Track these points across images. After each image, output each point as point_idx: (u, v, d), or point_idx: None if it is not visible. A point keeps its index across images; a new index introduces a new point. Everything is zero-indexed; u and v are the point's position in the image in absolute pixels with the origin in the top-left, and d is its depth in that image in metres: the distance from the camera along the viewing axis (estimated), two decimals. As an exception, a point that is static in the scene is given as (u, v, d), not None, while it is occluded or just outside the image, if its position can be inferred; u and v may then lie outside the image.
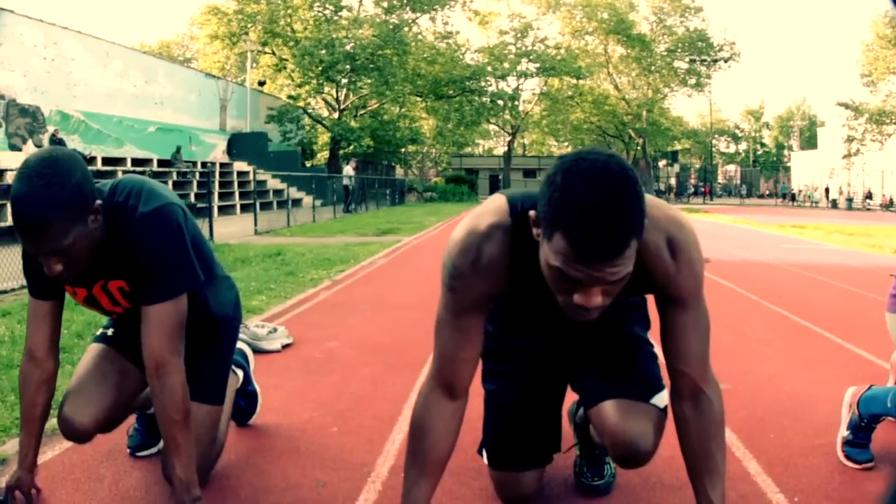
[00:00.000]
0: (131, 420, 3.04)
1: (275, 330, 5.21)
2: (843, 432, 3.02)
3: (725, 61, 64.25)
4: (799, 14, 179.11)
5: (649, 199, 1.88)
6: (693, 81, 65.35)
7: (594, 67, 62.48)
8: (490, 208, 2.02)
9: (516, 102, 59.08)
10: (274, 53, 43.08)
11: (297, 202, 27.69)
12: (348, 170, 30.70)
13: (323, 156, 42.12)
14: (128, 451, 3.07)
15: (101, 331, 2.76)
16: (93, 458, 3.03)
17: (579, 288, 1.69)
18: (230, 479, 2.82)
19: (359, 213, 27.43)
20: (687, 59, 64.12)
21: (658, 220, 1.93)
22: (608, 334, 2.36)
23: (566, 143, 79.77)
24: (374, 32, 43.07)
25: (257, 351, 4.80)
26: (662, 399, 2.28)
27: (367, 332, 5.75)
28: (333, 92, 45.46)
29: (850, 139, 57.97)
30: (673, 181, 75.85)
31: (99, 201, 2.22)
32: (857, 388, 3.12)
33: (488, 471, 2.57)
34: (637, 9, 64.03)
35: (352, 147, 41.72)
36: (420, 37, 48.82)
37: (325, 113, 46.39)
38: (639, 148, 66.28)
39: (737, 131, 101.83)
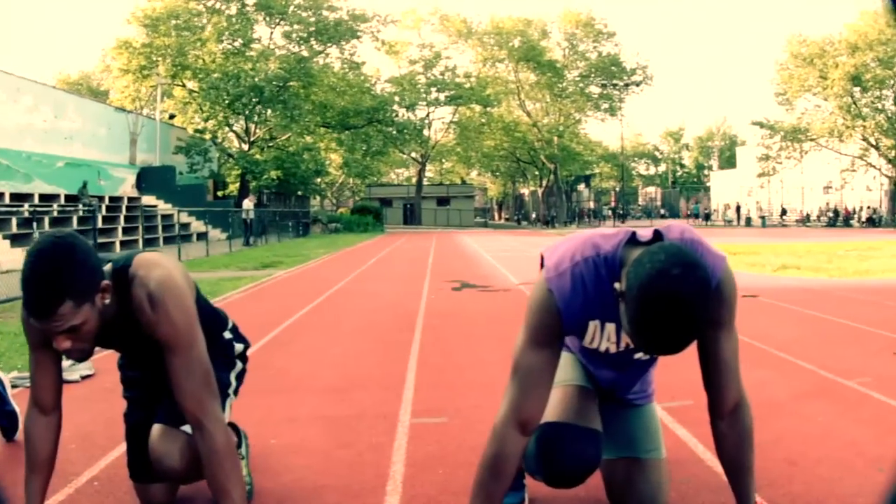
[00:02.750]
0: None
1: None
2: None
3: (637, 85, 65.70)
4: (718, 36, 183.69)
5: (145, 262, 2.60)
6: (606, 106, 66.74)
7: (505, 95, 63.67)
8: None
9: (424, 132, 59.76)
10: (184, 86, 43.45)
11: (202, 236, 28.09)
12: (247, 203, 31.37)
13: (235, 187, 42.24)
14: None
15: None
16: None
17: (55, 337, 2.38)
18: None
19: (257, 247, 27.86)
20: (599, 84, 65.56)
21: (144, 281, 2.54)
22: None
23: (479, 171, 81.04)
24: (279, 65, 43.96)
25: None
26: None
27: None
28: (243, 124, 45.97)
29: (765, 157, 59.48)
30: (592, 204, 77.31)
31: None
32: None
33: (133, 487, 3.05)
34: (549, 35, 65.47)
35: (259, 180, 42.35)
36: (329, 68, 49.58)
37: (237, 145, 46.85)
38: (551, 173, 67.40)
39: (657, 153, 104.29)
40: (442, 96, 58.52)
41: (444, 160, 71.80)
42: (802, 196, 63.98)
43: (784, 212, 64.60)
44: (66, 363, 5.21)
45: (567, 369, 2.88)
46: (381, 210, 54.77)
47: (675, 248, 2.11)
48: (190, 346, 2.53)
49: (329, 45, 49.48)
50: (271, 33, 48.84)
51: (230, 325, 3.22)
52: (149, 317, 2.50)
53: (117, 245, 24.75)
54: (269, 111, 44.90)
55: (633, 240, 2.37)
